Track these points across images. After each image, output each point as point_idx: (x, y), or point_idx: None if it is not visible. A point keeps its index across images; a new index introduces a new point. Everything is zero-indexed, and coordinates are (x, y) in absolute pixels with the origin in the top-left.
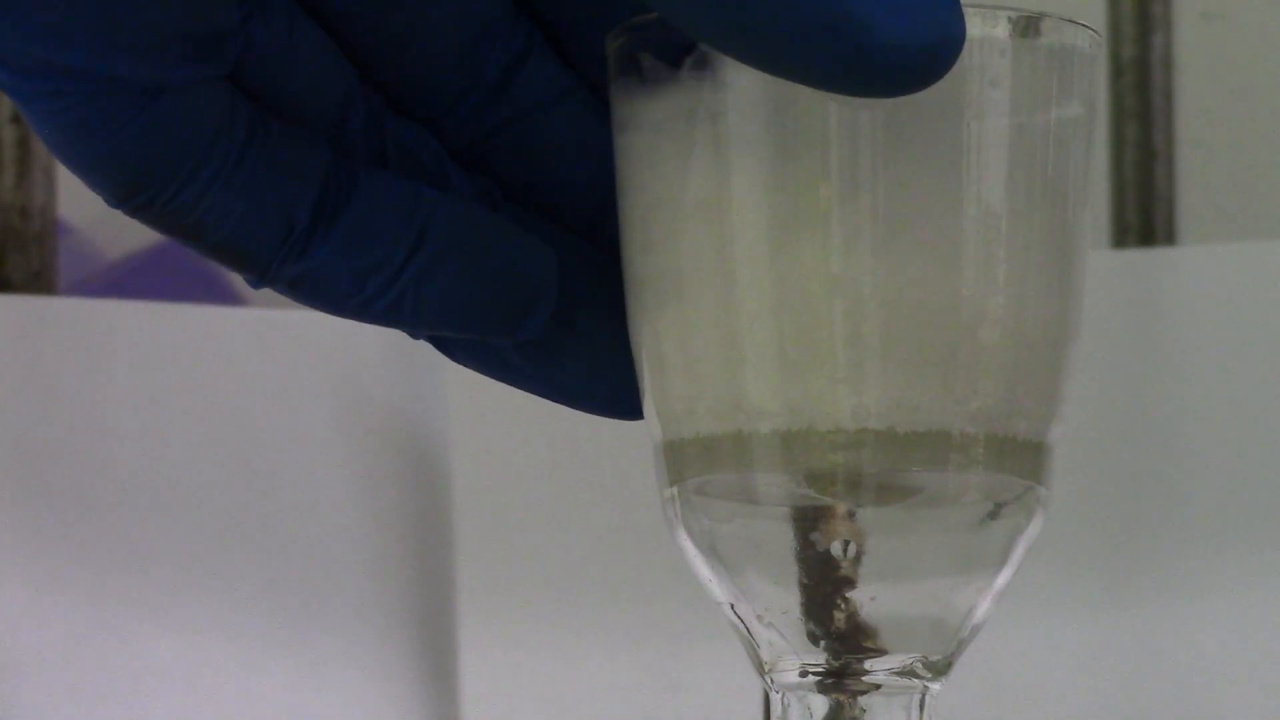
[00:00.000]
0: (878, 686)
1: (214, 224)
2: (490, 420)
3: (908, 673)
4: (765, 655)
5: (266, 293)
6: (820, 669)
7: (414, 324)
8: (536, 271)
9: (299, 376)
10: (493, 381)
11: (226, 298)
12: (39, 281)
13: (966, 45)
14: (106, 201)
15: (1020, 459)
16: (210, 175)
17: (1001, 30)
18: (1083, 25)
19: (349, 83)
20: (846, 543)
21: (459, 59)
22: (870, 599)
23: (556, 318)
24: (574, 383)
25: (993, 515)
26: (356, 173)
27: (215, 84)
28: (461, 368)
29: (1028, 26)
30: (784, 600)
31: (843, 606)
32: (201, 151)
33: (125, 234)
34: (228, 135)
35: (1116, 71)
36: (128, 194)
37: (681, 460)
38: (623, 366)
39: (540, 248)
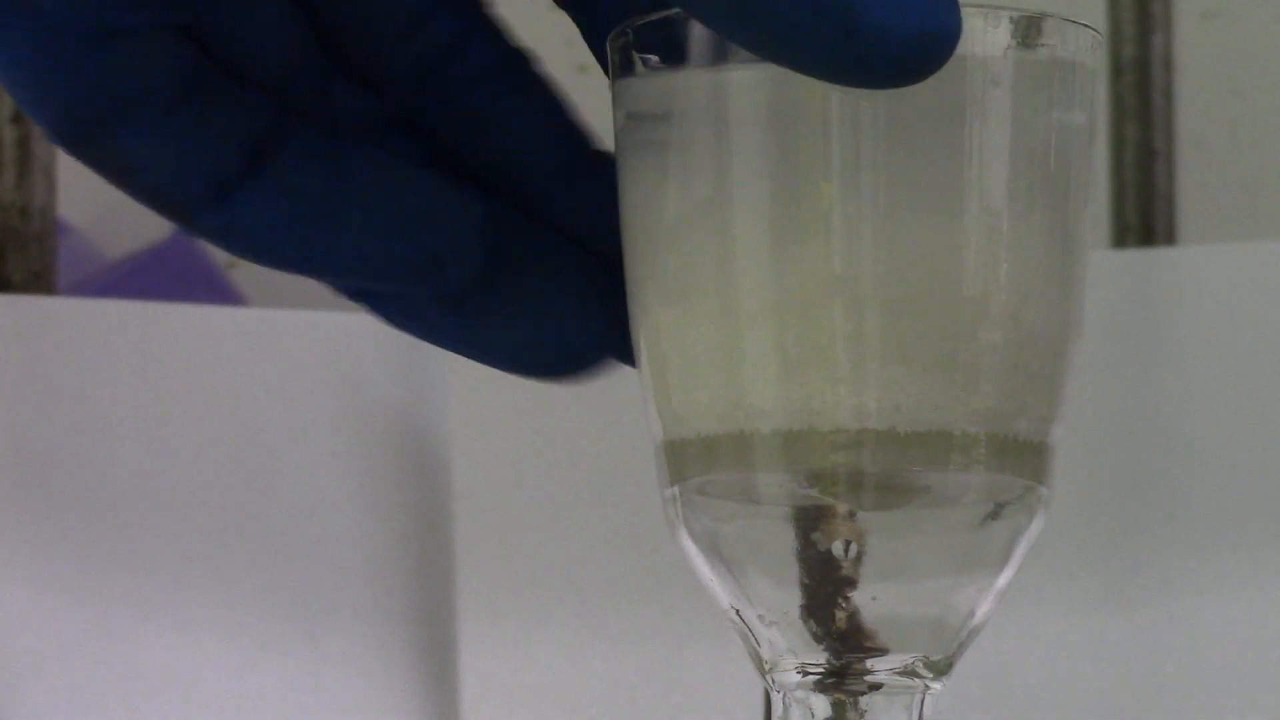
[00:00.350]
0: (879, 686)
1: (143, 170)
2: (491, 420)
3: (909, 673)
4: (766, 655)
5: (266, 293)
6: (821, 669)
7: (333, 276)
8: (454, 227)
9: (299, 376)
10: (493, 382)
11: (227, 298)
12: (39, 281)
13: (968, 46)
14: (46, 136)
15: (1021, 459)
16: (145, 123)
17: (1003, 30)
18: (1084, 25)
19: (301, 41)
20: (847, 543)
21: (409, 25)
22: (871, 599)
23: (481, 277)
24: (494, 342)
25: (994, 515)
26: (286, 129)
27: (166, 31)
28: (461, 367)
29: (1029, 26)
30: (785, 600)
31: (844, 606)
32: (140, 99)
33: (125, 234)
34: (168, 85)
35: (1116, 71)
36: (67, 132)
37: (682, 460)
38: (546, 330)
39: (462, 205)
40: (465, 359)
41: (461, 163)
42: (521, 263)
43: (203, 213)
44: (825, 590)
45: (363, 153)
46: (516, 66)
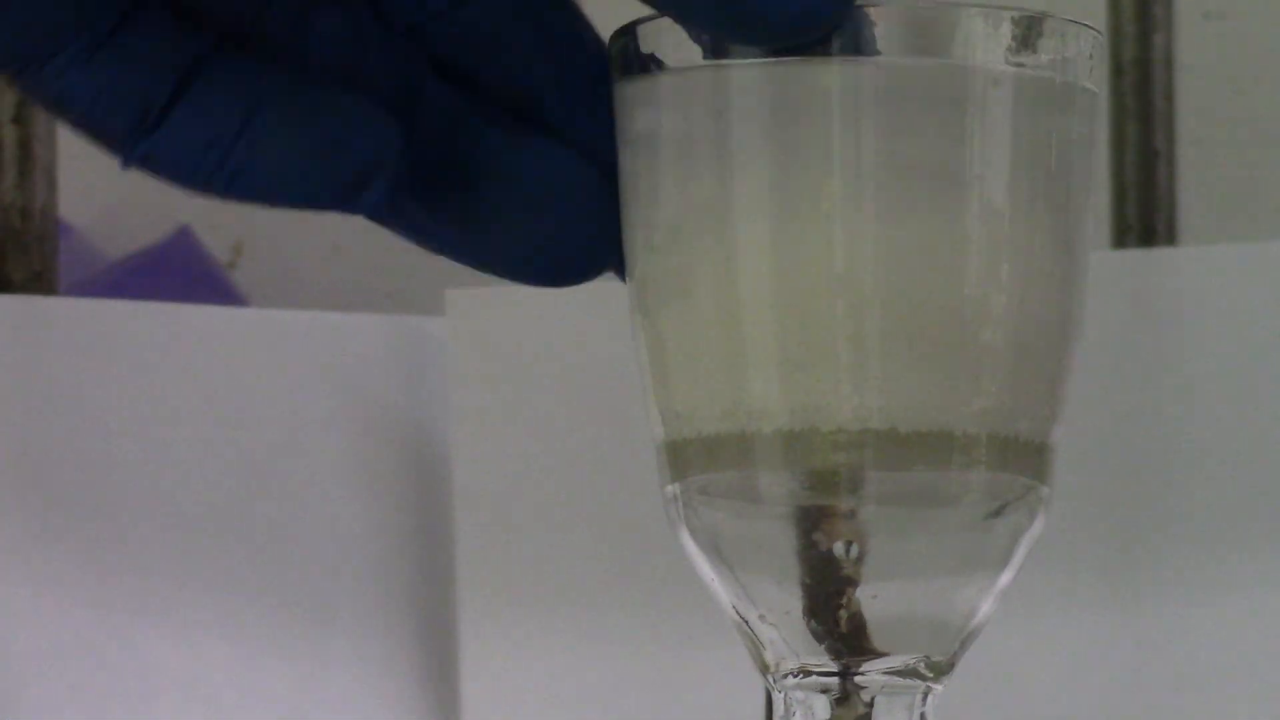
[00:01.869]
0: (880, 687)
1: (72, 101)
2: (491, 420)
3: (910, 673)
4: (768, 655)
5: (266, 293)
6: (823, 669)
7: (254, 196)
8: (371, 145)
9: (299, 376)
10: (494, 381)
11: (227, 298)
12: (39, 282)
13: (969, 46)
14: None
15: (1023, 459)
16: (71, 56)
17: (1004, 30)
18: (1085, 25)
19: None
20: (849, 543)
21: None
22: (872, 599)
23: (462, 187)
24: (487, 247)
25: (995, 515)
26: (215, 54)
27: None
28: (462, 368)
29: (1030, 26)
30: (786, 600)
31: (845, 606)
32: (67, 32)
33: (125, 234)
34: (100, 17)
35: (1117, 71)
36: (2, 62)
37: (684, 460)
38: (538, 236)
39: (380, 123)
40: (466, 359)
41: (453, 67)
42: (514, 170)
43: (134, 142)
44: (826, 590)
45: (273, 71)
46: None
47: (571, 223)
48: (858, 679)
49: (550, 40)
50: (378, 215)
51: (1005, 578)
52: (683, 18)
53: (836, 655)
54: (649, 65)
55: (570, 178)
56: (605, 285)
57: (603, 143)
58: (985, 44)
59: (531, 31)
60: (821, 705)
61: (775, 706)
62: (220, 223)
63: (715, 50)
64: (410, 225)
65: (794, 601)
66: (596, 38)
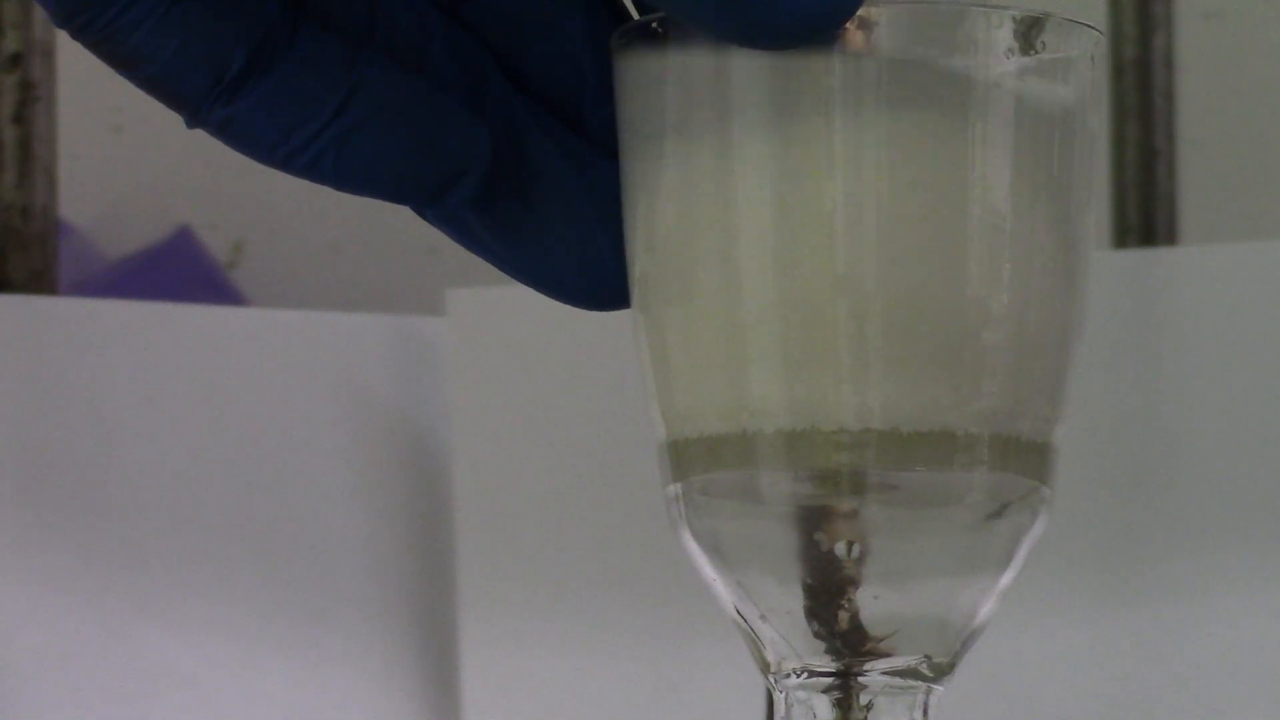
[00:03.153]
0: (881, 687)
1: (148, 56)
2: (491, 420)
3: (911, 673)
4: (769, 655)
5: (267, 293)
6: (824, 669)
7: (334, 183)
8: (462, 148)
9: (299, 376)
10: (494, 381)
11: (227, 298)
12: (39, 281)
13: (971, 46)
14: (52, 20)
15: (1024, 459)
16: (148, 10)
17: (1006, 30)
18: (1086, 25)
19: None
20: (850, 543)
21: None
22: (874, 599)
23: (514, 196)
24: (533, 264)
25: (996, 515)
26: (300, 28)
27: None
28: (462, 368)
29: (1031, 26)
30: (787, 600)
31: (846, 607)
32: None
33: (125, 234)
34: None
35: (1118, 71)
36: (70, 13)
37: (685, 460)
38: (590, 255)
39: (472, 124)
40: (466, 359)
41: (504, 67)
42: (558, 187)
43: (208, 106)
44: (828, 590)
45: (371, 61)
46: None
47: (617, 240)
48: (859, 679)
49: (598, 35)
50: (438, 216)
51: (1007, 578)
52: (689, 22)
53: (837, 655)
54: (650, 65)
55: (617, 191)
56: None
57: None
58: (986, 44)
59: (580, 20)
60: (823, 705)
61: (776, 706)
62: (220, 223)
63: (716, 49)
64: (461, 229)
65: (795, 601)
66: None
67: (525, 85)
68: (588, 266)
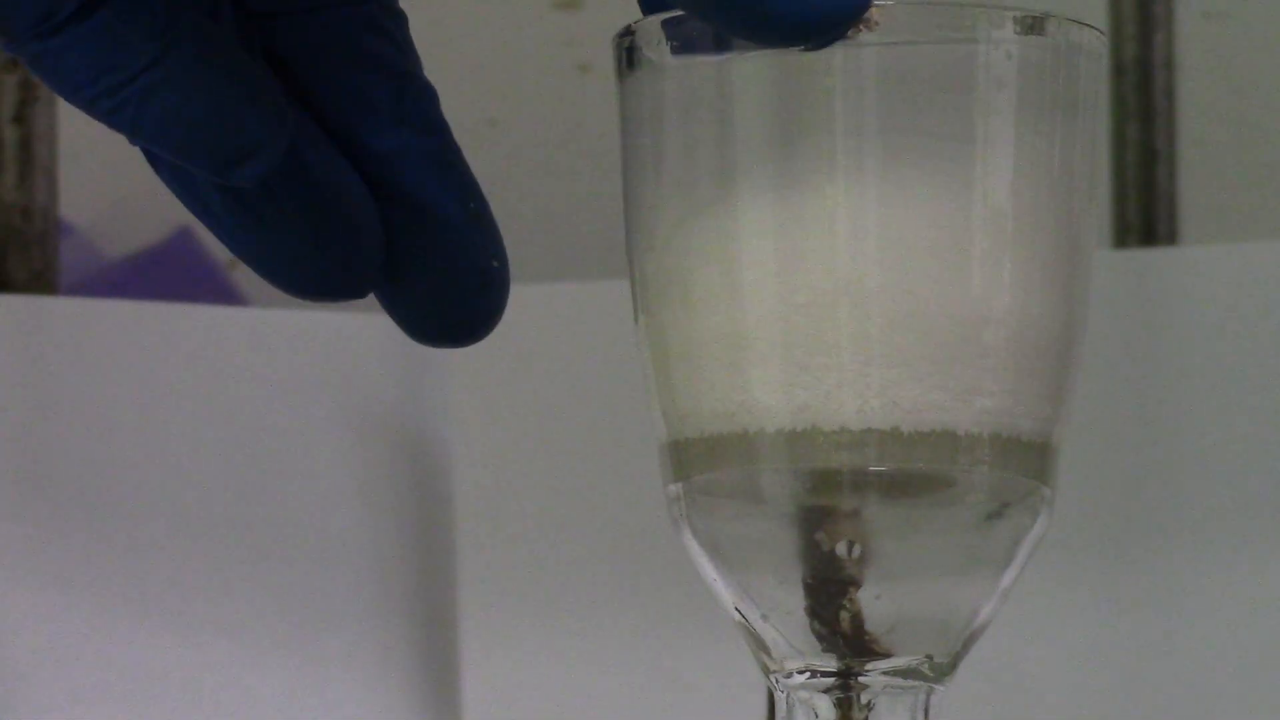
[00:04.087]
0: (882, 687)
1: None
2: (491, 420)
3: (912, 673)
4: (770, 655)
5: (267, 293)
6: (825, 669)
7: (130, 133)
8: (262, 127)
9: (299, 376)
10: (494, 382)
11: (227, 297)
12: (39, 281)
13: (972, 46)
14: None
15: (1025, 459)
16: None
17: (1008, 31)
18: (1087, 25)
19: None
20: (851, 543)
21: None
22: (875, 599)
23: (269, 187)
24: (260, 248)
25: (997, 515)
26: None
27: None
28: (463, 367)
29: (1033, 27)
30: (788, 600)
31: (847, 606)
32: None
33: (125, 234)
34: None
35: (1118, 71)
36: None
37: (686, 460)
38: (317, 256)
39: (277, 110)
40: (466, 358)
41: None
42: (306, 190)
43: (27, 39)
44: (829, 590)
45: (198, 32)
46: (385, 21)
47: (346, 243)
48: (860, 679)
49: (385, 74)
50: (179, 182)
51: (1008, 578)
52: (702, 17)
53: (839, 655)
54: (650, 65)
55: (361, 202)
56: (605, 285)
57: (406, 176)
58: (988, 44)
59: (371, 63)
60: (824, 705)
61: (777, 706)
62: None
63: (717, 49)
64: (197, 197)
65: (796, 601)
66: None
67: (311, 104)
68: (308, 263)
